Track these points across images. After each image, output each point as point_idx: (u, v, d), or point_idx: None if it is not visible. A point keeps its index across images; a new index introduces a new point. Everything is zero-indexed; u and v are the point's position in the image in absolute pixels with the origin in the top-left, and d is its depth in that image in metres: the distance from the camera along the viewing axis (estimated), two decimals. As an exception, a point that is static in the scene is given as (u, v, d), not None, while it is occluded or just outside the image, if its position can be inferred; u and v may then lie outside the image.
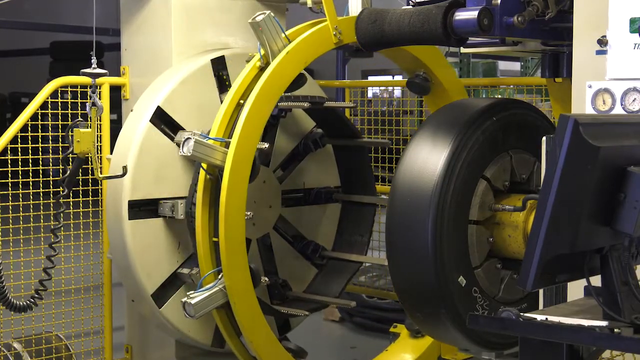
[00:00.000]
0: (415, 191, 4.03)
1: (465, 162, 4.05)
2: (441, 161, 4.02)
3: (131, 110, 5.05)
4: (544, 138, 3.64)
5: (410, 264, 4.07)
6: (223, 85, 5.12)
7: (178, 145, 4.91)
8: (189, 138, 4.37)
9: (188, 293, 4.47)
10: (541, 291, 3.91)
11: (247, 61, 4.74)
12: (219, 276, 4.51)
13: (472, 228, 4.12)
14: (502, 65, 12.76)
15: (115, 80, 5.40)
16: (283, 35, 4.64)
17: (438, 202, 3.95)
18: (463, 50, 5.18)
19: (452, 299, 4.00)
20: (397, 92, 8.92)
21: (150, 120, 4.85)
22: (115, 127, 5.26)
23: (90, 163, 4.60)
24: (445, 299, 3.98)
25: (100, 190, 5.49)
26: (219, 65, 5.11)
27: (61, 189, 4.57)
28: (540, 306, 3.88)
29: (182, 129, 4.94)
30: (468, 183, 4.08)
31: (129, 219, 4.77)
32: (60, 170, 5.15)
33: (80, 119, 4.56)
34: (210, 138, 4.49)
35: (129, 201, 4.77)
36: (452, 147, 4.04)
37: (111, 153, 5.16)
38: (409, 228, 4.03)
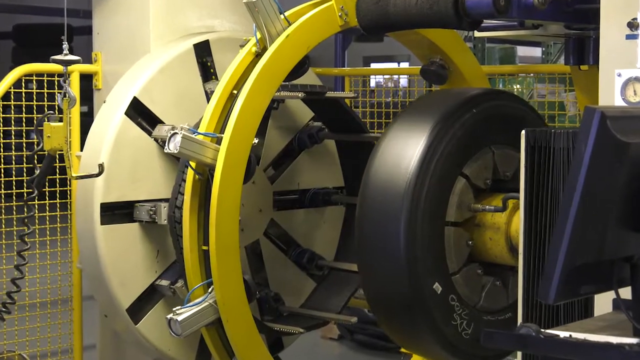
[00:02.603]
0: (386, 190, 4.10)
1: (441, 158, 4.10)
2: (415, 157, 4.08)
3: (104, 102, 5.05)
4: (523, 132, 3.67)
5: (380, 269, 4.14)
6: (207, 73, 5.12)
7: (156, 140, 4.91)
8: (175, 133, 4.35)
9: (174, 309, 4.46)
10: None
11: (242, 46, 4.73)
12: (209, 289, 4.52)
13: (449, 230, 4.18)
14: (521, 51, 12.76)
15: (86, 67, 5.40)
16: (282, 16, 4.64)
17: (411, 201, 4.01)
18: (477, 34, 5.20)
19: (426, 307, 4.06)
20: (403, 81, 8.93)
21: (126, 113, 4.85)
22: (86, 121, 5.27)
23: (59, 161, 4.62)
24: (419, 307, 4.05)
25: (69, 192, 5.49)
26: (203, 51, 5.11)
27: (27, 189, 4.57)
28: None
29: (161, 122, 4.94)
30: (445, 181, 4.14)
31: (102, 224, 4.78)
32: (25, 169, 5.16)
33: (50, 111, 4.57)
34: (199, 133, 4.48)
35: (102, 204, 4.77)
36: (426, 142, 4.09)
37: (81, 150, 5.17)
38: (380, 230, 4.10)
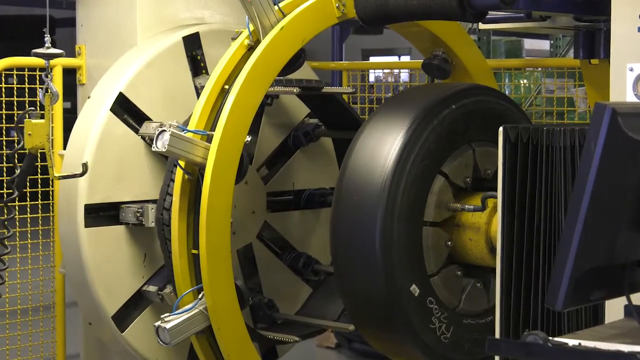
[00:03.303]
0: (362, 188, 4.19)
1: (418, 155, 4.19)
2: (391, 155, 4.16)
3: (88, 97, 5.05)
4: (500, 128, 3.71)
5: (356, 270, 4.22)
6: (197, 67, 5.13)
7: (144, 138, 4.92)
8: (163, 131, 4.35)
9: (162, 316, 4.47)
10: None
11: (233, 39, 4.74)
12: (199, 295, 4.52)
13: (427, 230, 4.27)
14: (528, 44, 12.77)
15: (69, 61, 5.40)
16: (276, 7, 4.64)
17: (387, 201, 4.10)
18: (482, 26, 5.20)
19: (403, 310, 4.14)
20: (404, 75, 8.94)
21: (111, 109, 4.85)
22: (69, 118, 5.26)
23: (39, 160, 4.61)
24: (395, 310, 4.13)
25: (51, 192, 5.49)
26: (193, 44, 5.11)
27: (7, 190, 4.57)
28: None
29: (148, 119, 4.94)
30: (422, 180, 4.22)
31: (86, 227, 4.78)
32: (5, 169, 5.16)
33: (32, 108, 4.57)
34: (189, 131, 4.49)
35: (86, 205, 4.78)
36: (403, 139, 4.18)
37: (64, 148, 5.17)
38: (355, 230, 4.19)
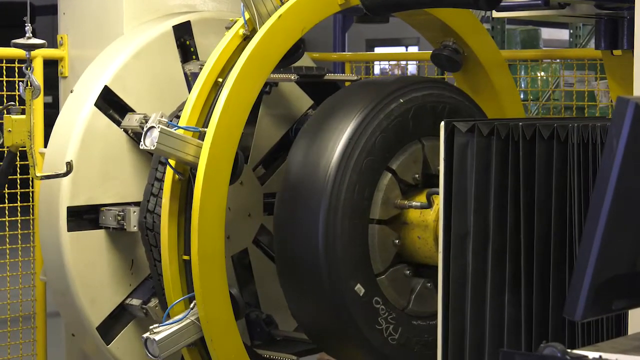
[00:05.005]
0: (305, 184, 4.37)
1: (363, 151, 4.35)
2: (335, 150, 4.33)
3: (71, 91, 5.06)
4: (442, 123, 3.76)
5: (299, 270, 4.40)
6: (187, 53, 5.12)
7: (126, 131, 4.91)
8: (152, 127, 4.34)
9: (151, 327, 4.47)
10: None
11: (227, 28, 4.74)
12: (191, 305, 4.52)
13: (373, 228, 4.42)
14: (546, 33, 12.77)
15: (50, 52, 5.41)
16: (274, -6, 4.65)
17: (330, 196, 4.27)
18: (495, 14, 5.20)
19: (347, 310, 4.30)
20: (412, 67, 8.94)
21: (95, 104, 4.86)
22: (51, 113, 5.27)
23: (19, 159, 4.61)
24: (339, 310, 4.30)
25: (31, 194, 5.49)
26: (184, 34, 5.11)
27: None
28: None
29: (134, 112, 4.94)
30: (368, 176, 4.39)
31: (68, 231, 4.78)
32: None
33: (11, 103, 4.57)
34: (180, 127, 4.48)
35: (68, 207, 4.78)
36: (348, 134, 4.35)
37: (45, 146, 5.17)
38: (298, 228, 4.37)
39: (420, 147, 4.57)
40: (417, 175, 4.57)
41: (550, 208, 3.72)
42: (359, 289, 4.34)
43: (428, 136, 4.54)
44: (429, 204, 4.39)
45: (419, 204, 4.46)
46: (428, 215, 4.45)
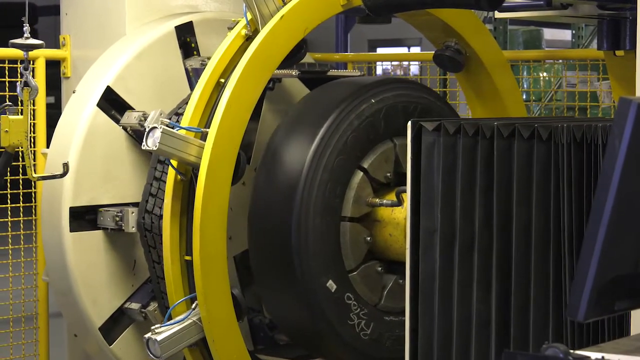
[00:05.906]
0: (277, 183, 4.50)
1: (335, 149, 4.48)
2: (307, 150, 4.46)
3: (73, 92, 5.06)
4: (409, 123, 3.82)
5: (271, 265, 4.54)
6: (189, 50, 5.12)
7: (125, 129, 4.91)
8: (154, 127, 4.34)
9: (153, 327, 4.47)
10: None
11: (230, 28, 4.73)
12: (193, 305, 4.52)
13: (345, 226, 4.55)
14: (548, 34, 12.77)
15: (52, 53, 5.41)
16: (276, -6, 4.65)
17: (302, 194, 4.39)
18: (498, 14, 5.21)
19: (319, 305, 4.43)
20: (414, 68, 8.95)
21: (98, 105, 4.86)
22: (53, 113, 5.27)
23: (21, 159, 4.61)
24: (311, 305, 4.42)
25: (33, 194, 5.49)
26: (186, 34, 5.11)
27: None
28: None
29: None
30: (340, 174, 4.51)
31: (71, 231, 4.78)
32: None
33: (8, 103, 4.57)
34: (182, 127, 4.48)
35: (71, 208, 4.78)
36: (320, 133, 4.47)
37: (48, 146, 5.17)
38: (270, 224, 4.51)
39: (392, 146, 4.69)
40: (389, 174, 4.69)
41: (515, 205, 3.72)
42: (331, 285, 4.46)
43: (400, 136, 4.61)
44: (399, 202, 4.49)
45: (389, 202, 4.57)
46: (399, 213, 4.56)
